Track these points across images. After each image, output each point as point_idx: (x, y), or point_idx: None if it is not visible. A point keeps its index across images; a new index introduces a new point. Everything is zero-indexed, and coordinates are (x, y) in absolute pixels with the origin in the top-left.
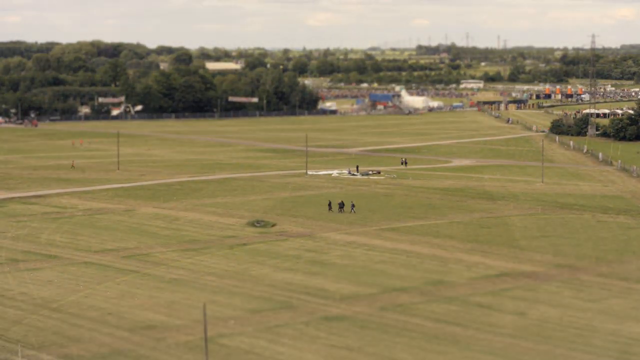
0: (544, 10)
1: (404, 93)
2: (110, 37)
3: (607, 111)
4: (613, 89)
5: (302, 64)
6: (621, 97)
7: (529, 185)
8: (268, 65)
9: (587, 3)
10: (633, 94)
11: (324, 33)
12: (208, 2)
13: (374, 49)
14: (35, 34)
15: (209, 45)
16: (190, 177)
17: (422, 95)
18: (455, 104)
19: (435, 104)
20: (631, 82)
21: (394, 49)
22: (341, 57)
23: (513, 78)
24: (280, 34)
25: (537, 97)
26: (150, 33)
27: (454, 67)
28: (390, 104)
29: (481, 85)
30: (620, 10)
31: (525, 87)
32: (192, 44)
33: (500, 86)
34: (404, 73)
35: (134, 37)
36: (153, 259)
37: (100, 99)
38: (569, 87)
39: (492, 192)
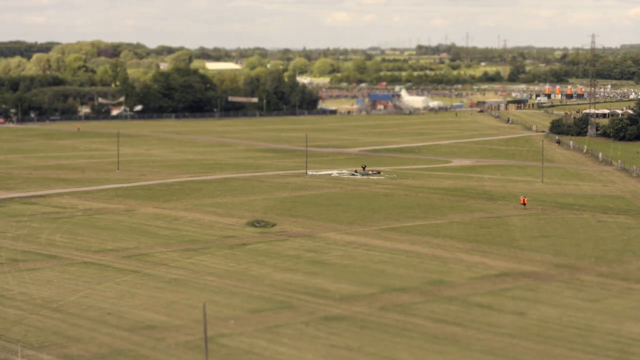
0: (548, 10)
1: (403, 93)
2: (110, 37)
3: (607, 111)
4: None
5: (302, 64)
6: (620, 97)
7: (529, 185)
8: (268, 65)
9: (606, 4)
10: (633, 94)
11: (327, 34)
12: (234, 2)
13: (373, 49)
14: (36, 34)
15: (220, 45)
16: (190, 177)
17: (422, 95)
18: (455, 104)
19: (435, 104)
20: (631, 82)
21: (393, 49)
22: (341, 57)
23: (513, 78)
24: (282, 35)
25: (537, 97)
26: (153, 33)
27: (454, 67)
28: (390, 103)
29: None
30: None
31: (525, 86)
32: (196, 44)
33: (500, 86)
34: (404, 73)
35: (134, 37)
36: (153, 259)
37: (100, 99)
38: (569, 87)
39: (492, 192)
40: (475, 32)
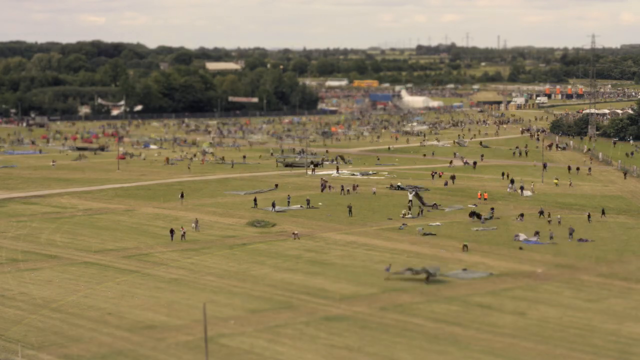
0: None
1: (404, 93)
2: (110, 37)
3: (607, 111)
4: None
5: (302, 64)
6: (620, 97)
7: (529, 186)
8: (268, 65)
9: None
10: (633, 93)
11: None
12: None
13: (374, 49)
14: (35, 34)
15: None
16: (190, 177)
17: (422, 95)
18: (455, 104)
19: (435, 104)
20: (631, 82)
21: (393, 49)
22: (341, 57)
23: (513, 78)
24: (280, 34)
25: (537, 97)
26: (154, 33)
27: (454, 67)
28: (390, 104)
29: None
30: None
31: (525, 87)
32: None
33: (500, 86)
34: (404, 73)
35: (135, 37)
36: (153, 259)
37: (100, 100)
38: (569, 87)
39: (492, 192)
40: (475, 32)
